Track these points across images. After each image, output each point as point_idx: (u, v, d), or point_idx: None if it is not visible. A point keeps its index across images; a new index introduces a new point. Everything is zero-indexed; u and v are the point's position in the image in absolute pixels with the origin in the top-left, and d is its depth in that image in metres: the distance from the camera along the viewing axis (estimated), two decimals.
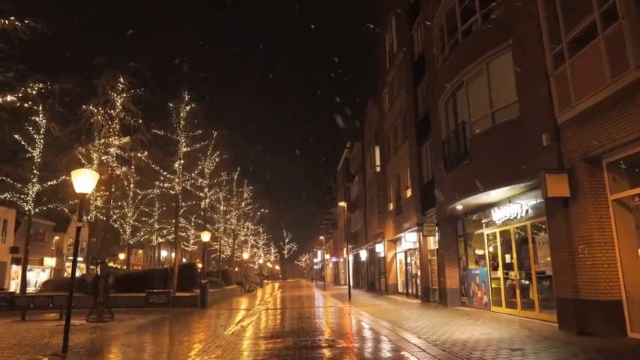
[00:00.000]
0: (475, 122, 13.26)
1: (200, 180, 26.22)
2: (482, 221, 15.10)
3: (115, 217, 31.41)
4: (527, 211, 12.20)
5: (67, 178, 21.54)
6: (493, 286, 14.50)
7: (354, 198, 41.48)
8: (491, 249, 14.70)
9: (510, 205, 12.91)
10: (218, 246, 42.46)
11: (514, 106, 11.61)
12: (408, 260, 24.85)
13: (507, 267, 13.49)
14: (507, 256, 13.47)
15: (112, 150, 16.82)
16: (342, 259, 55.69)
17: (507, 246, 13.50)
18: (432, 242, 19.96)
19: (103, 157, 17.14)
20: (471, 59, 13.30)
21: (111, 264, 53.12)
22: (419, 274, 22.02)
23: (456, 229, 17.58)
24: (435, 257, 19.47)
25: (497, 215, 13.69)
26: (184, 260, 54.19)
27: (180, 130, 23.39)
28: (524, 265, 12.58)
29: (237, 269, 51.10)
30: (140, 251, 63.77)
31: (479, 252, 15.90)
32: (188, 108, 23.66)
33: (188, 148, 23.63)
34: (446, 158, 15.15)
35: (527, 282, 12.45)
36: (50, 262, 43.75)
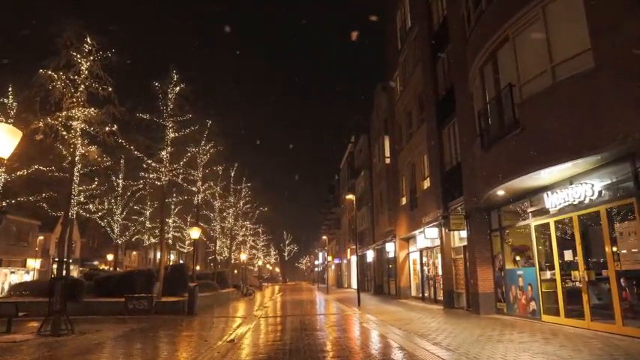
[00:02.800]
0: (526, 83, 10.52)
1: (191, 170, 23.45)
2: (529, 210, 12.29)
3: (100, 213, 28.64)
4: (599, 192, 9.43)
5: (41, 167, 18.89)
6: (544, 289, 11.71)
7: (360, 195, 38.59)
8: (541, 244, 11.94)
9: (572, 187, 10.12)
10: (215, 247, 39.70)
11: (585, 55, 8.91)
12: (424, 260, 22.07)
13: (567, 266, 10.68)
14: (567, 252, 10.66)
15: (75, 124, 13.97)
16: (345, 261, 52.88)
17: (567, 239, 10.71)
18: (457, 239, 17.18)
19: (63, 133, 14.26)
20: (519, 5, 10.60)
21: (102, 266, 50.54)
22: (439, 275, 19.27)
23: (489, 222, 14.80)
24: (461, 256, 16.73)
25: (552, 201, 10.89)
26: (181, 262, 51.34)
27: (167, 113, 20.67)
28: (595, 263, 9.81)
29: (235, 271, 48.22)
30: (134, 252, 61.01)
31: (522, 248, 13.11)
32: (177, 89, 20.97)
33: (176, 134, 20.90)
34: (484, 133, 12.35)
35: (599, 285, 9.67)
36: (34, 263, 40.80)
